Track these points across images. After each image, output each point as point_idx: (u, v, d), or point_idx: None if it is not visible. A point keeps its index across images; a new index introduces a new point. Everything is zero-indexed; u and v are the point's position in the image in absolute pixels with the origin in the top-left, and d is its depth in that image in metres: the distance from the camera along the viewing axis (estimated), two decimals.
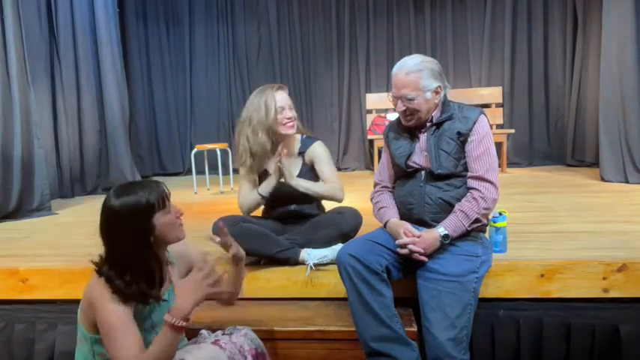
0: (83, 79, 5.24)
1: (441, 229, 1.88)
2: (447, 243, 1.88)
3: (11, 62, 3.92)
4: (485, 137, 1.95)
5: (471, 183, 1.93)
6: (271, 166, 2.36)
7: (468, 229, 1.90)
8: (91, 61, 5.31)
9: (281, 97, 2.31)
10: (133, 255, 1.44)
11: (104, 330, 1.41)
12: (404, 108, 1.97)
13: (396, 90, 1.97)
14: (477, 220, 1.90)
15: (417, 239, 1.88)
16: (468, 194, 1.93)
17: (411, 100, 1.94)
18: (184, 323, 1.35)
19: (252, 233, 2.25)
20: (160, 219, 1.46)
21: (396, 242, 1.92)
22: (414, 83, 1.93)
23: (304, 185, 2.30)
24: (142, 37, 6.71)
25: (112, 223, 1.44)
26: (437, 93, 1.98)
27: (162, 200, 1.48)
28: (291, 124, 2.31)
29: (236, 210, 2.50)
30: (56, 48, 5.04)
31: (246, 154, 2.34)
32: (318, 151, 2.40)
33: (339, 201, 2.40)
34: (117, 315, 1.40)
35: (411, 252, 1.87)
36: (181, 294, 1.36)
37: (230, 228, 2.27)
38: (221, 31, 6.70)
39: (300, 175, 2.37)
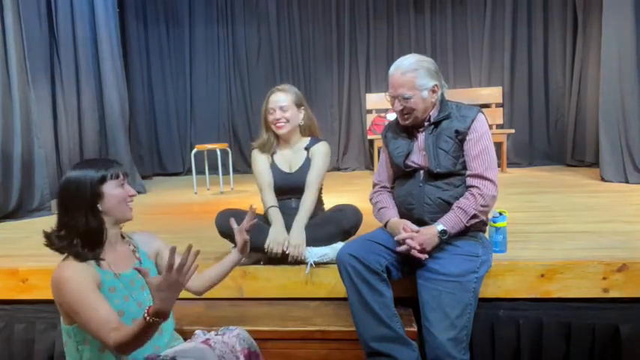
0: (83, 79, 5.24)
1: (439, 226, 1.88)
2: (444, 239, 1.88)
3: (11, 62, 3.92)
4: (484, 135, 1.95)
5: (469, 181, 1.93)
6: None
7: (467, 224, 1.89)
8: (91, 61, 5.31)
9: (275, 99, 2.41)
10: (75, 215, 1.51)
11: (73, 309, 1.42)
12: (401, 107, 1.98)
13: (393, 90, 1.98)
14: (474, 216, 1.89)
15: (414, 234, 1.88)
16: (467, 192, 1.93)
17: (407, 99, 1.95)
18: (161, 320, 1.32)
19: (254, 227, 2.26)
20: (109, 188, 1.54)
21: (395, 238, 1.92)
22: (410, 82, 1.94)
23: (303, 227, 2.28)
24: (142, 38, 6.71)
25: (64, 191, 1.52)
26: (434, 92, 1.98)
27: (116, 174, 1.56)
28: (280, 124, 2.39)
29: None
30: (56, 48, 5.04)
31: (261, 142, 2.50)
32: (320, 149, 2.45)
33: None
34: (81, 290, 1.42)
35: (409, 248, 1.86)
36: (159, 297, 1.29)
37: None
38: (221, 31, 6.71)
39: (302, 168, 2.42)
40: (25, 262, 2.53)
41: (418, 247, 1.86)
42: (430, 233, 1.88)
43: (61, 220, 1.53)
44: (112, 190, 1.54)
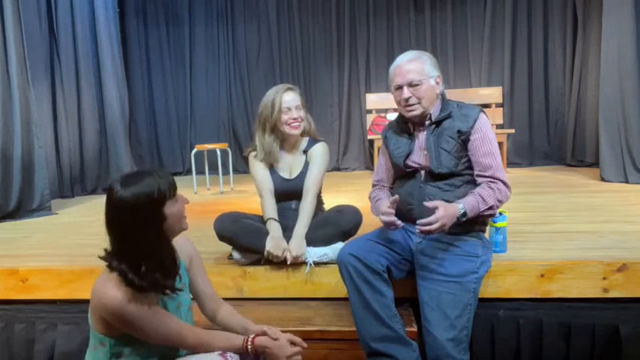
0: (83, 79, 5.24)
1: (460, 206, 1.80)
2: (462, 221, 1.81)
3: (11, 62, 3.92)
4: (488, 135, 1.95)
5: (482, 181, 1.91)
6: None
7: (480, 213, 1.84)
8: (91, 61, 5.31)
9: (289, 98, 2.34)
10: (146, 246, 1.37)
11: (142, 330, 1.38)
12: (409, 95, 1.95)
13: (401, 77, 1.96)
14: (491, 208, 1.85)
15: (438, 215, 1.73)
16: (484, 184, 1.88)
17: (417, 85, 1.94)
18: (248, 349, 1.47)
19: (253, 230, 2.28)
20: (170, 208, 1.40)
21: (418, 227, 1.78)
22: (419, 68, 1.95)
23: (303, 237, 2.26)
24: (142, 37, 6.71)
25: (122, 215, 1.35)
26: (437, 83, 1.99)
27: (172, 189, 1.42)
28: (296, 124, 2.33)
29: (236, 210, 2.51)
30: (56, 48, 5.04)
31: (260, 150, 2.40)
32: (318, 151, 2.41)
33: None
34: (142, 305, 1.38)
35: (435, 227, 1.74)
36: (272, 346, 1.48)
37: (231, 224, 2.29)
38: (221, 31, 6.70)
39: (302, 172, 2.39)
40: (25, 262, 2.54)
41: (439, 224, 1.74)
42: (453, 209, 1.78)
43: (131, 254, 1.37)
44: (171, 208, 1.40)
